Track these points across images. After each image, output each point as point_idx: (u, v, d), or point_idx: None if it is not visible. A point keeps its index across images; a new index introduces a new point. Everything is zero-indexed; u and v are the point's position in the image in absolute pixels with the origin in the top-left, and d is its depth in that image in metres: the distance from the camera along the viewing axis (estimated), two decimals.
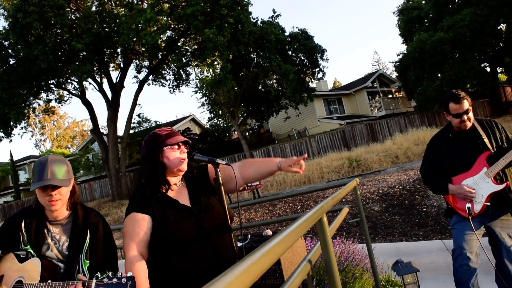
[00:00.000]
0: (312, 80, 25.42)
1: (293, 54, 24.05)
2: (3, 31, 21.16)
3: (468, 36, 20.89)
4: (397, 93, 33.77)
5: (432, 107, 22.00)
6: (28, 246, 2.12)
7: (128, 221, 1.94)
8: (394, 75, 32.81)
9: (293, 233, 1.16)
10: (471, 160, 3.20)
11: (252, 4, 21.40)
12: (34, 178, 2.06)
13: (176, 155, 2.01)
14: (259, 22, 23.55)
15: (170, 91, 27.45)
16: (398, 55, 26.33)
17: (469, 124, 3.23)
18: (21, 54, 21.15)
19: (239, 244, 2.13)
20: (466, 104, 3.20)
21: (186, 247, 1.88)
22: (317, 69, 24.37)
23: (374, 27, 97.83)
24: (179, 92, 33.48)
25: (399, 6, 28.46)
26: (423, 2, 26.79)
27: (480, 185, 3.13)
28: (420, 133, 18.95)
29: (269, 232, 3.18)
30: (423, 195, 9.58)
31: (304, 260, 1.65)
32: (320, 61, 24.17)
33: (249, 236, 3.16)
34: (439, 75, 22.42)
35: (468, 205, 3.12)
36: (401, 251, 6.58)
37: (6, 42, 21.92)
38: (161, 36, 22.15)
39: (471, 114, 3.23)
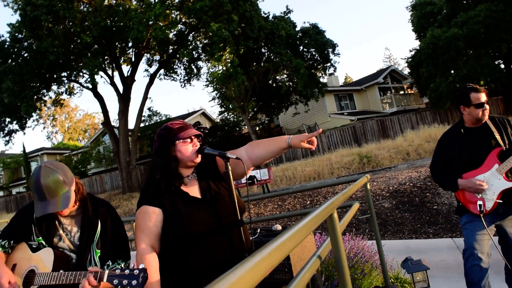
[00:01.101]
0: (323, 75, 25.31)
1: (304, 49, 23.93)
2: (16, 24, 21.36)
3: (483, 32, 20.62)
4: (409, 90, 33.47)
5: (444, 104, 21.77)
6: (40, 238, 2.14)
7: (139, 214, 1.95)
8: (406, 71, 32.53)
9: (303, 229, 1.15)
10: (482, 156, 3.15)
11: (263, 0, 21.37)
12: (34, 196, 2.05)
13: (189, 148, 2.01)
14: (270, 17, 23.48)
15: (181, 85, 27.54)
16: (410, 51, 26.11)
17: (486, 117, 3.19)
18: (33, 46, 21.33)
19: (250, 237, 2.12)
20: (485, 95, 3.16)
21: (198, 239, 1.88)
22: (328, 64, 24.23)
23: (386, 23, 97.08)
24: (190, 86, 33.59)
25: (412, 1, 28.18)
26: None
27: (491, 182, 3.08)
28: (432, 130, 18.77)
29: (279, 227, 3.17)
30: (434, 192, 9.51)
31: (314, 255, 1.64)
32: (331, 56, 24.03)
33: (258, 230, 3.16)
34: (452, 71, 22.16)
35: (480, 202, 3.08)
36: (411, 249, 6.54)
37: (19, 35, 22.13)
38: (171, 30, 22.17)
39: (487, 106, 3.18)
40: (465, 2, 23.38)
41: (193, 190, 2.03)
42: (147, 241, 1.87)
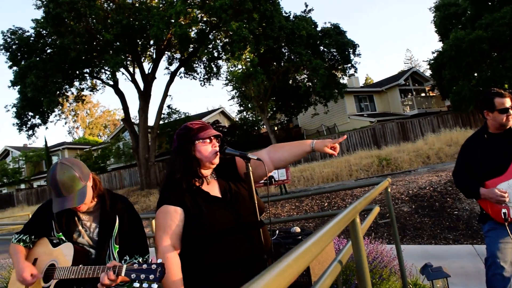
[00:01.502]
0: (343, 76, 25.12)
1: (325, 49, 23.79)
2: (41, 20, 21.75)
3: (508, 34, 20.19)
4: (430, 92, 33.00)
5: (467, 108, 21.39)
6: (60, 233, 2.18)
7: (160, 213, 1.94)
8: (428, 73, 32.07)
9: (327, 234, 1.13)
10: (506, 163, 3.07)
11: None
12: (52, 192, 2.10)
13: (209, 149, 2.00)
14: (291, 16, 23.40)
15: (200, 84, 27.67)
16: (433, 53, 25.78)
17: (511, 123, 3.11)
18: (57, 42, 21.69)
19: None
20: (509, 100, 3.09)
21: (219, 238, 1.88)
22: (349, 65, 24.04)
23: (408, 24, 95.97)
24: (209, 85, 33.72)
25: (436, 2, 27.75)
26: None
27: None
28: (453, 134, 18.48)
29: (297, 229, 3.15)
30: (454, 197, 9.36)
31: (335, 261, 1.62)
32: (352, 57, 23.82)
33: (277, 232, 3.14)
34: (476, 74, 21.77)
35: (504, 210, 3.01)
36: (430, 254, 6.44)
37: (44, 32, 22.52)
38: (192, 28, 22.26)
39: None
40: (490, 3, 22.93)
41: (214, 189, 2.03)
42: (169, 241, 1.87)
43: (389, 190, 3.84)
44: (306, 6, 24.14)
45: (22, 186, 39.62)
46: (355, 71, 24.81)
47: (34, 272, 2.12)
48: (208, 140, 2.01)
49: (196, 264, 1.90)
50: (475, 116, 21.90)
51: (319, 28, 23.85)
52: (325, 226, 1.17)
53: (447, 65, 22.18)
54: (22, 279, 2.10)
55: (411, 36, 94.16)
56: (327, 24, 24.36)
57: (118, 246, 2.17)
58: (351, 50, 23.58)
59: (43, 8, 21.17)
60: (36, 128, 24.77)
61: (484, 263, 3.15)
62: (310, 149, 2.07)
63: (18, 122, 24.14)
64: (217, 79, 27.77)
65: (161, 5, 22.40)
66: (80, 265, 2.04)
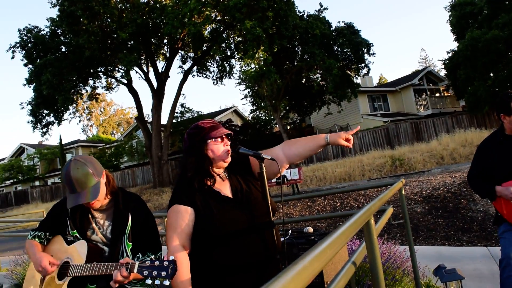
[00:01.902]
0: (357, 76, 24.97)
1: (339, 49, 23.66)
2: (57, 19, 21.98)
3: None
4: (445, 92, 32.66)
5: (482, 109, 21.11)
6: (75, 231, 2.21)
7: (171, 213, 1.95)
8: (442, 73, 31.74)
9: (342, 236, 1.12)
10: None
11: None
12: (66, 189, 2.14)
13: (220, 147, 2.00)
14: (305, 15, 23.31)
15: (213, 82, 27.75)
16: (448, 52, 25.39)
17: None
18: (72, 41, 21.91)
19: (281, 239, 2.11)
20: None
21: (230, 238, 1.88)
22: (363, 64, 23.88)
23: (422, 23, 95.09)
24: (222, 84, 33.81)
25: (452, 1, 27.44)
26: None
27: None
28: (468, 135, 18.26)
29: (310, 229, 3.14)
30: (469, 199, 9.25)
31: (349, 262, 1.61)
32: (366, 56, 23.66)
33: (290, 231, 3.14)
34: (492, 74, 21.48)
35: None
36: (443, 256, 6.37)
37: (59, 30, 22.77)
38: (206, 26, 22.31)
39: None
40: (507, 2, 22.58)
41: (225, 189, 2.03)
42: (179, 240, 1.88)
43: (403, 191, 3.81)
44: (321, 6, 23.92)
45: (37, 183, 40.13)
46: (368, 71, 24.64)
47: (52, 260, 2.16)
48: (219, 139, 2.01)
49: (208, 264, 1.90)
50: (491, 116, 21.62)
51: (333, 28, 23.72)
52: (340, 227, 1.16)
53: (463, 65, 21.92)
54: (42, 268, 2.13)
55: (426, 36, 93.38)
56: (341, 24, 24.19)
57: (131, 243, 2.19)
58: (365, 50, 23.41)
59: (58, 6, 21.40)
60: (50, 126, 25.03)
61: (498, 265, 3.11)
62: (325, 142, 2.07)
63: (33, 119, 24.42)
64: (230, 78, 27.83)
65: (175, 5, 22.50)
66: (94, 263, 2.07)
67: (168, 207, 2.00)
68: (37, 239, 2.30)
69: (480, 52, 20.59)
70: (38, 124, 24.65)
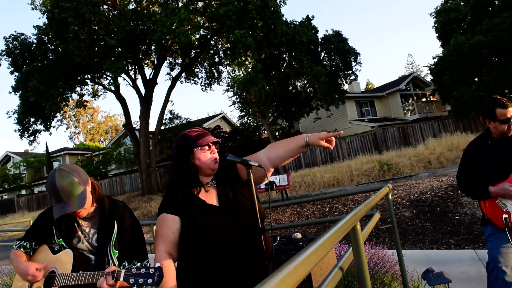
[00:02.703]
0: (344, 82, 25.11)
1: (326, 56, 23.79)
2: (43, 26, 21.84)
3: (508, 40, 20.20)
4: (431, 97, 33.02)
5: (468, 114, 21.36)
6: (61, 240, 2.20)
7: (159, 221, 1.98)
8: (429, 78, 32.08)
9: (327, 242, 1.14)
10: (509, 168, 3.08)
11: (286, 4, 21.28)
12: (52, 200, 2.12)
13: (207, 155, 2.01)
14: (293, 23, 23.40)
15: (202, 89, 27.73)
16: (433, 58, 25.70)
17: None
18: (59, 48, 21.77)
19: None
20: (511, 110, 3.09)
21: (216, 246, 1.88)
22: (350, 71, 24.03)
23: (409, 29, 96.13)
24: (210, 90, 33.78)
25: (437, 7, 27.81)
26: (462, 4, 26.06)
27: None
28: (454, 139, 18.46)
29: (298, 235, 3.16)
30: (456, 202, 9.34)
31: (336, 267, 1.62)
32: (354, 64, 23.82)
33: (278, 238, 3.15)
34: (476, 79, 21.76)
35: (505, 215, 3.01)
36: (432, 259, 6.42)
37: (46, 38, 22.61)
38: (195, 34, 22.33)
39: None
40: (490, 9, 22.94)
41: (211, 197, 2.03)
42: (165, 248, 1.90)
43: (390, 196, 3.84)
44: (309, 16, 23.97)
45: (23, 192, 39.62)
46: (355, 78, 24.80)
47: (38, 266, 2.15)
48: (206, 147, 2.02)
49: (195, 272, 1.90)
50: (476, 121, 21.89)
51: (321, 35, 23.85)
52: (325, 233, 1.18)
53: (448, 70, 22.19)
54: (31, 276, 2.12)
55: (412, 41, 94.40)
56: (329, 31, 24.32)
57: (117, 251, 2.19)
58: (353, 58, 23.58)
59: (47, 13, 21.27)
60: (37, 134, 24.78)
61: (485, 267, 3.15)
62: (304, 143, 2.03)
63: (19, 128, 24.15)
64: (218, 84, 27.86)
65: (163, 12, 22.48)
66: (80, 271, 2.06)
67: (157, 215, 2.01)
68: (22, 249, 2.28)
69: (465, 57, 20.86)
70: (26, 132, 24.38)
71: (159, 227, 1.95)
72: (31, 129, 24.50)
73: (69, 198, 2.06)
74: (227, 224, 1.93)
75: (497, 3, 22.68)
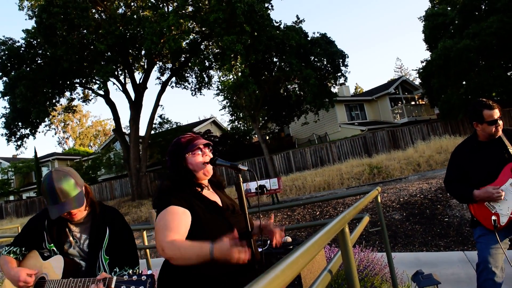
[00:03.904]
0: (334, 85, 25.23)
1: (315, 59, 23.87)
2: (32, 30, 21.69)
3: (495, 44, 20.46)
4: (420, 100, 33.30)
5: (456, 117, 21.56)
6: (52, 244, 2.17)
7: (168, 215, 1.89)
8: (418, 81, 32.37)
9: (315, 245, 1.15)
10: (496, 170, 3.11)
11: (273, 9, 21.30)
12: (48, 201, 2.08)
13: (199, 159, 2.02)
14: (282, 26, 23.49)
15: (192, 93, 27.67)
16: (422, 62, 25.93)
17: (500, 132, 3.15)
18: (48, 53, 21.63)
19: (259, 249, 2.12)
20: (498, 111, 3.13)
21: None
22: (339, 73, 24.14)
23: (398, 33, 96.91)
24: (200, 94, 33.73)
25: (425, 12, 28.10)
26: (449, 8, 26.36)
27: (506, 196, 3.04)
28: (443, 142, 18.62)
29: (288, 239, 3.16)
30: (445, 204, 9.42)
31: (325, 270, 1.63)
32: (342, 66, 23.94)
33: (268, 242, 3.15)
34: (464, 83, 21.99)
35: (494, 217, 3.04)
36: (421, 261, 6.47)
37: (35, 42, 22.46)
38: (185, 39, 22.31)
39: (501, 122, 3.15)
40: (477, 13, 23.23)
41: (215, 198, 2.08)
42: (176, 236, 1.82)
43: (379, 199, 3.86)
44: (298, 18, 24.14)
45: (11, 197, 39.15)
46: (345, 80, 24.91)
47: (29, 271, 2.13)
48: (198, 151, 2.03)
49: (188, 274, 1.89)
50: (464, 123, 22.09)
51: (309, 38, 23.94)
52: (313, 236, 1.19)
53: (436, 74, 22.40)
54: (23, 282, 2.09)
55: (401, 45, 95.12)
56: (316, 34, 24.45)
57: (108, 257, 2.16)
58: (341, 60, 23.70)
59: (35, 18, 21.13)
60: (25, 139, 24.53)
61: (475, 269, 3.18)
62: (209, 257, 1.75)
63: (7, 132, 23.92)
64: (209, 88, 27.83)
65: (152, 17, 22.44)
66: (70, 278, 2.03)
67: (160, 208, 1.94)
68: (12, 254, 2.24)
69: (453, 61, 21.07)
70: (13, 137, 24.13)
71: (168, 220, 1.86)
72: (18, 133, 24.27)
73: (66, 199, 2.05)
74: (227, 226, 1.94)
75: (483, 7, 22.97)
